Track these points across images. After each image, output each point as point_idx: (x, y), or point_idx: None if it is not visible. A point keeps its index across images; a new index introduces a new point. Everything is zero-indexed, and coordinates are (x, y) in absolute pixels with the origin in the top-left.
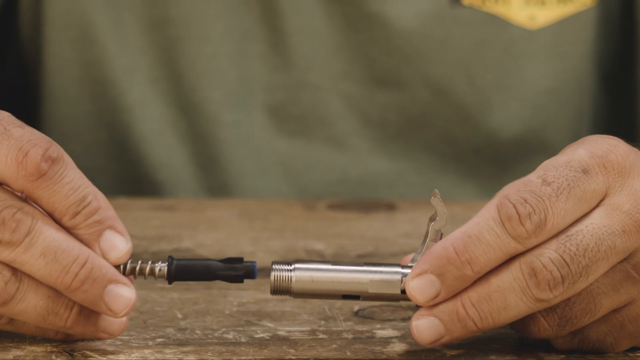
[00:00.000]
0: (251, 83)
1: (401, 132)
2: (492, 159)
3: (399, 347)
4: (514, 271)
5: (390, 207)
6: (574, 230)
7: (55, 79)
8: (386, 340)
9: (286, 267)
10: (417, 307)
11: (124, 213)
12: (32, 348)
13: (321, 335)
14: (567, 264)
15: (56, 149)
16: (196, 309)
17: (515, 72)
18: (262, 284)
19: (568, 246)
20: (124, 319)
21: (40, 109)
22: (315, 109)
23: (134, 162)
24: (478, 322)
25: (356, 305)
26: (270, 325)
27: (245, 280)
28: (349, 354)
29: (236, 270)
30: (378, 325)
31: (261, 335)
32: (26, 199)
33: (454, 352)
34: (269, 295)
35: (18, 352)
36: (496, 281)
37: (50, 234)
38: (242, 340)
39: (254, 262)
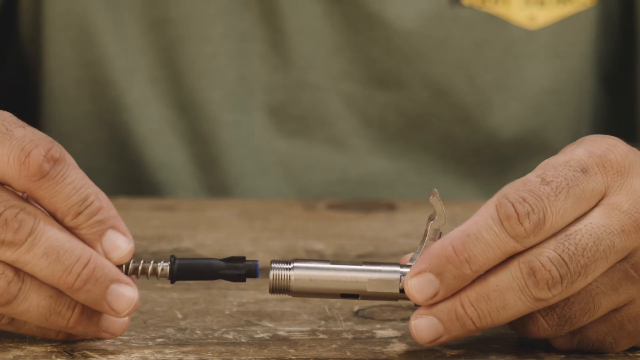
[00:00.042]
0: (251, 83)
1: (401, 132)
2: (492, 159)
3: (399, 347)
4: (513, 270)
5: (390, 207)
6: (572, 229)
7: (55, 79)
8: (386, 340)
9: (285, 266)
10: (416, 307)
11: (124, 213)
12: (32, 348)
13: (321, 335)
14: (566, 264)
15: (58, 149)
16: (196, 309)
17: (515, 72)
18: (262, 284)
19: (567, 245)
20: (126, 318)
21: (40, 109)
22: (315, 109)
23: (133, 163)
24: (477, 321)
25: (356, 305)
26: (270, 325)
27: (246, 280)
28: (349, 354)
29: (238, 269)
30: (378, 325)
31: (261, 335)
32: (28, 199)
33: (454, 352)
34: (269, 296)
35: (18, 352)
36: (495, 280)
37: (53, 234)
38: (242, 340)
39: (256, 261)
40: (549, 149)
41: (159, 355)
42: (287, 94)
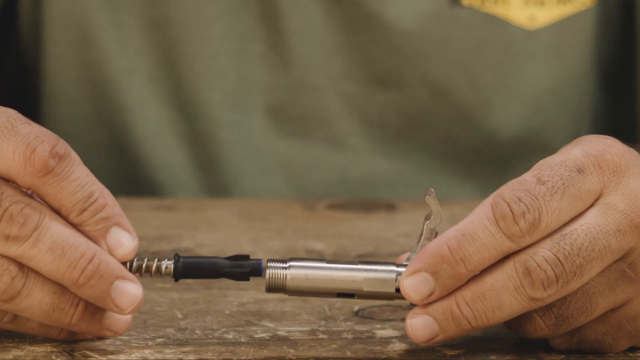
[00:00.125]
0: (251, 83)
1: (401, 132)
2: (491, 159)
3: (399, 347)
4: (508, 270)
5: (390, 207)
6: (568, 229)
7: (55, 80)
8: (386, 340)
9: (281, 264)
10: (413, 306)
11: (124, 213)
12: (32, 348)
13: (321, 335)
14: (561, 263)
15: (63, 146)
16: (196, 309)
17: (515, 72)
18: (263, 284)
19: (562, 245)
20: (129, 317)
21: (40, 109)
22: (315, 109)
23: (133, 163)
24: (472, 320)
25: (356, 305)
26: (270, 325)
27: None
28: (349, 354)
29: (242, 268)
30: (378, 325)
31: (261, 335)
32: (32, 195)
33: (453, 352)
34: (268, 296)
35: (18, 352)
36: (490, 280)
37: (58, 229)
38: (242, 340)
39: (260, 259)
40: (549, 149)
41: (159, 355)
42: (287, 94)
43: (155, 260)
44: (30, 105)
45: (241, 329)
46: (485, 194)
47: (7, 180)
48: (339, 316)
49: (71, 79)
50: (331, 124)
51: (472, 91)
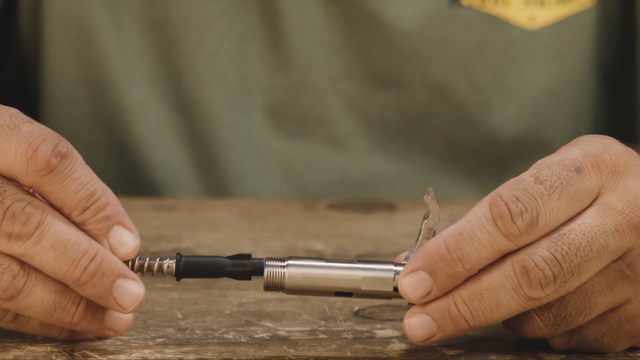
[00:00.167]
0: (251, 83)
1: (401, 132)
2: (491, 159)
3: (399, 347)
4: (506, 269)
5: (390, 207)
6: (566, 229)
7: (55, 80)
8: (386, 340)
9: (279, 263)
10: (411, 305)
11: None
12: (32, 348)
13: (321, 335)
14: (559, 263)
15: (65, 145)
16: (196, 309)
17: (515, 72)
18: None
19: (560, 245)
20: (130, 316)
21: (40, 109)
22: (315, 109)
23: (133, 163)
24: (470, 320)
25: (356, 305)
26: (270, 325)
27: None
28: (349, 354)
29: (244, 267)
30: (378, 325)
31: (261, 335)
32: (34, 194)
33: (453, 352)
34: (269, 295)
35: (18, 352)
36: (488, 279)
37: (60, 228)
38: (242, 340)
39: (262, 259)
40: (549, 149)
41: (159, 355)
42: (287, 94)
43: (157, 259)
44: (30, 105)
45: (241, 329)
46: (485, 194)
47: (10, 179)
48: (339, 316)
49: (71, 79)
50: (331, 124)
51: (472, 91)
